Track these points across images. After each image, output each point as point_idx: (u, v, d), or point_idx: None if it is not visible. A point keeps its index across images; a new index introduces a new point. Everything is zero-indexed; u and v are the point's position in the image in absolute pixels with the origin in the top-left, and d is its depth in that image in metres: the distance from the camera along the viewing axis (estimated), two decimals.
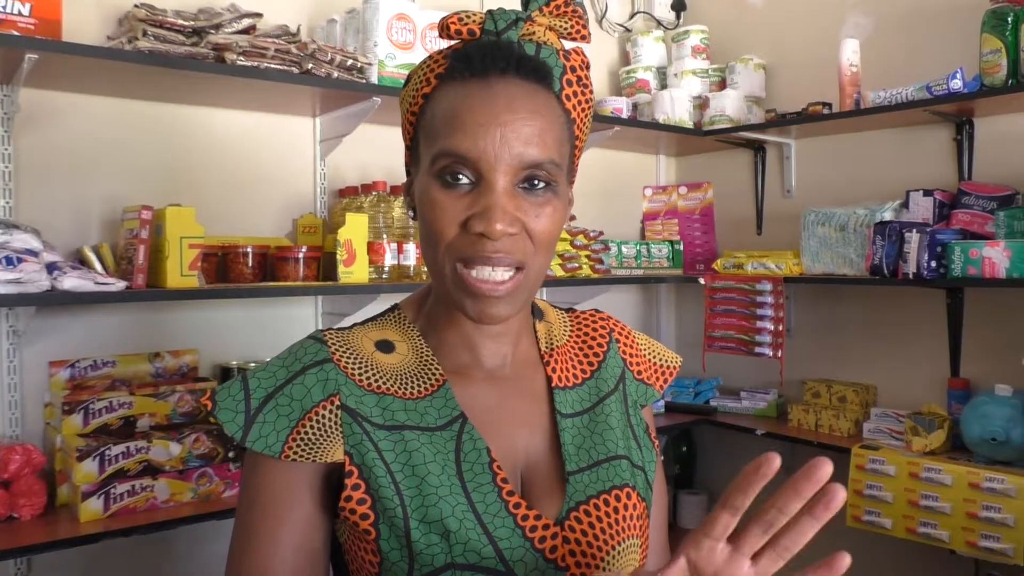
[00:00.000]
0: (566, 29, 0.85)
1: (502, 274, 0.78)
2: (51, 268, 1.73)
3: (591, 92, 0.88)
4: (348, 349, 0.85)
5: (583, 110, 0.87)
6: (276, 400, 0.81)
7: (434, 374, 0.86)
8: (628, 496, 0.87)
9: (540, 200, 0.80)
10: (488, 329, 0.86)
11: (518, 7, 0.86)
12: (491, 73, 0.79)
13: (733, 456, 3.03)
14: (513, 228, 0.77)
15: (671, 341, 3.24)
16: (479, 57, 0.80)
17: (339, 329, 0.89)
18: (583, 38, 0.86)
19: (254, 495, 0.82)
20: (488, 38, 0.82)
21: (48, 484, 1.83)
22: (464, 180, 0.78)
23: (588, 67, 0.88)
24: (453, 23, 0.83)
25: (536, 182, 0.79)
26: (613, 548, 0.84)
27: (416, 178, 0.85)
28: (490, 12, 0.83)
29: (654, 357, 1.01)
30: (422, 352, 0.87)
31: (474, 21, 0.83)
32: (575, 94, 0.85)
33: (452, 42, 0.85)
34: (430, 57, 0.85)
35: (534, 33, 0.84)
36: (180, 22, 1.90)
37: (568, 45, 0.88)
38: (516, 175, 0.78)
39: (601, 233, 2.70)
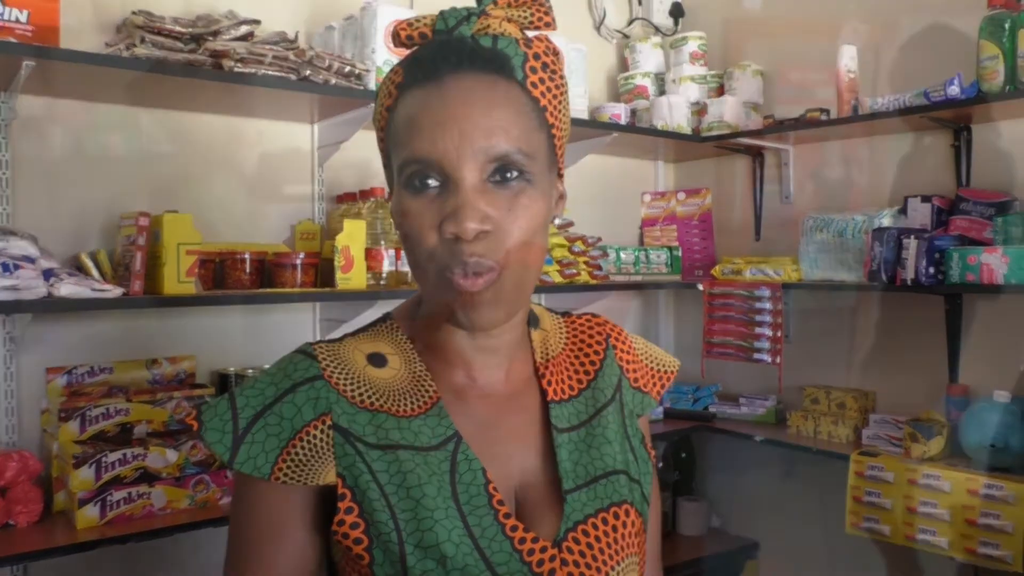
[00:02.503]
0: (527, 18, 0.83)
1: (484, 276, 0.75)
2: (48, 275, 1.72)
3: (561, 78, 0.85)
4: (339, 364, 0.82)
5: (554, 96, 0.83)
6: (265, 419, 0.78)
7: (427, 391, 0.83)
8: (627, 513, 0.86)
9: (513, 191, 0.77)
10: (482, 343, 0.84)
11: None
12: (443, 72, 0.77)
13: (732, 462, 3.02)
14: (486, 225, 0.74)
15: (670, 347, 3.23)
16: (430, 58, 0.78)
17: (329, 341, 0.86)
18: (547, 25, 0.83)
19: (244, 518, 0.80)
20: (440, 38, 0.80)
21: (45, 491, 1.83)
22: (432, 183, 0.76)
23: (555, 53, 0.84)
24: (403, 29, 0.81)
25: (507, 174, 0.76)
26: (612, 568, 0.82)
27: (393, 194, 0.83)
28: (441, 12, 0.81)
29: (651, 362, 0.99)
30: (415, 366, 0.85)
31: (424, 24, 0.81)
32: (541, 81, 0.82)
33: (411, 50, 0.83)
34: (392, 69, 0.83)
35: (489, 26, 0.81)
36: (178, 29, 1.90)
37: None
38: (483, 170, 0.76)
39: (599, 239, 2.70)
